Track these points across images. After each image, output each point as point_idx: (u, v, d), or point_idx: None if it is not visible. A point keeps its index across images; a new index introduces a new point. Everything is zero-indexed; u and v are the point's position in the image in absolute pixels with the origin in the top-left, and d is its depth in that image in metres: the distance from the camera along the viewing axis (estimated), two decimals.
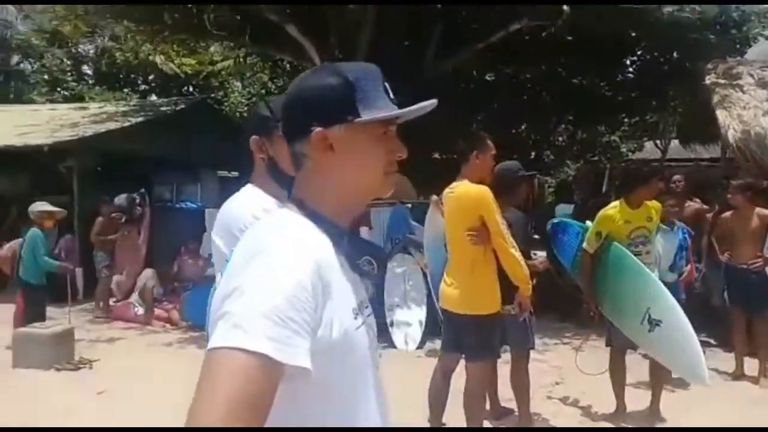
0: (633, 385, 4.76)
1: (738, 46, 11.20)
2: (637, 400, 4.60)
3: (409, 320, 6.86)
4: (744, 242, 5.47)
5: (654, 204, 4.38)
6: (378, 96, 1.14)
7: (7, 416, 4.55)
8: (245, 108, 17.59)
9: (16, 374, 5.76)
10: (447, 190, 3.89)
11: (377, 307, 6.39)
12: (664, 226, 5.02)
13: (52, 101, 17.49)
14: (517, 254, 3.69)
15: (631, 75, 12.75)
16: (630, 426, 4.42)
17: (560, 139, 16.44)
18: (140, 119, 11.59)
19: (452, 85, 11.25)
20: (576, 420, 4.60)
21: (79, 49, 19.94)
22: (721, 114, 7.66)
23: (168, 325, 7.98)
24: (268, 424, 0.87)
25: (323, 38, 9.61)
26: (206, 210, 8.53)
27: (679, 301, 4.65)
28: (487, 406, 4.32)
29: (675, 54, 11.23)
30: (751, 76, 8.50)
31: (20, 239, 6.85)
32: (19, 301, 6.45)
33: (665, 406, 4.54)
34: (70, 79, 19.78)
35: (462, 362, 3.85)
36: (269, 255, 1.00)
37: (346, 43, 9.61)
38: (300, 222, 1.10)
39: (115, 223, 8.72)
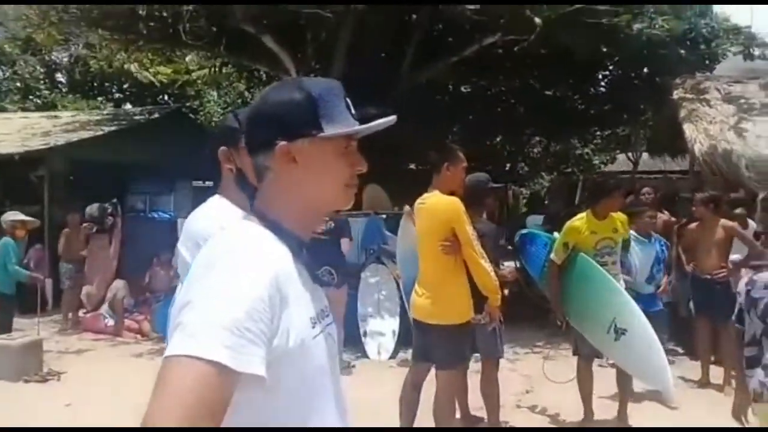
0: (608, 397, 4.83)
1: (707, 62, 11.46)
2: (606, 409, 4.67)
3: (383, 330, 6.88)
4: (708, 253, 5.59)
5: (619, 216, 4.48)
6: (340, 111, 1.17)
7: None
8: (221, 117, 17.51)
9: None
10: (418, 201, 3.95)
11: (351, 316, 6.45)
12: (641, 238, 5.10)
13: (24, 109, 17.25)
14: (487, 265, 3.75)
15: (603, 89, 12.96)
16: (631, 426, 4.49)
17: (534, 151, 16.63)
18: (113, 128, 11.47)
19: (428, 97, 11.34)
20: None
21: (53, 57, 19.69)
22: (688, 128, 7.85)
23: (139, 336, 7.90)
24: None
25: (300, 49, 9.65)
26: (179, 220, 8.47)
27: (657, 312, 4.78)
28: (458, 415, 4.36)
29: (646, 69, 11.46)
30: (718, 91, 8.73)
31: None
32: None
33: (632, 413, 4.63)
34: (42, 87, 19.52)
35: (433, 371, 3.89)
36: (227, 265, 1.03)
37: (322, 55, 9.66)
38: (260, 233, 1.13)
39: (84, 233, 8.61)
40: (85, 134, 10.77)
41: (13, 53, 19.12)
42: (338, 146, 1.17)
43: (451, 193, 3.80)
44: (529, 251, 5.16)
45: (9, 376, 5.71)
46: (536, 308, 5.98)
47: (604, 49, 9.96)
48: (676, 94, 8.69)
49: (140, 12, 9.42)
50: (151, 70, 17.23)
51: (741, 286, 2.93)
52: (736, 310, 2.96)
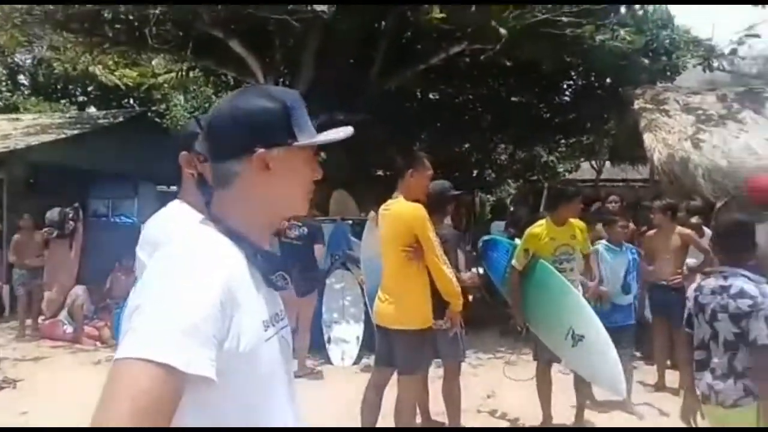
0: (567, 402, 4.90)
1: (669, 73, 11.78)
2: (564, 413, 4.75)
3: (347, 336, 6.89)
4: (665, 260, 5.73)
5: (578, 222, 4.58)
6: (306, 121, 1.23)
7: None
8: (187, 122, 17.29)
9: None
10: (383, 207, 3.99)
11: (316, 322, 6.44)
12: (613, 247, 5.17)
13: None
14: (449, 271, 3.81)
15: (567, 98, 13.19)
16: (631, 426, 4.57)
17: (501, 158, 16.81)
18: (76, 131, 11.28)
19: (396, 104, 11.41)
20: None
21: (16, 59, 19.27)
22: (648, 137, 8.04)
23: (98, 344, 7.75)
24: None
25: (268, 54, 9.62)
26: (143, 225, 8.34)
27: (630, 326, 4.87)
28: (418, 419, 4.40)
29: (608, 79, 11.70)
30: (677, 101, 8.98)
31: None
32: None
33: (590, 417, 4.73)
34: (4, 89, 19.09)
35: (395, 376, 3.92)
36: (179, 269, 1.05)
37: (290, 60, 9.65)
38: (215, 238, 1.15)
39: (44, 238, 8.43)
40: (46, 137, 10.57)
41: None
42: (307, 155, 1.23)
43: (416, 200, 3.85)
44: (491, 257, 5.23)
45: None
46: (499, 314, 6.05)
47: (569, 60, 10.16)
48: (637, 104, 8.91)
49: (106, 14, 9.30)
50: (116, 73, 16.94)
51: (690, 292, 3.03)
52: (685, 315, 3.06)
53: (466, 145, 15.00)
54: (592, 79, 12.09)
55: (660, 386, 5.74)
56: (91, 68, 16.32)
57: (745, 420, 2.78)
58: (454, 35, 8.93)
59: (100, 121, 12.64)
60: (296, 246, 6.08)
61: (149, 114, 15.44)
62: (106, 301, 8.41)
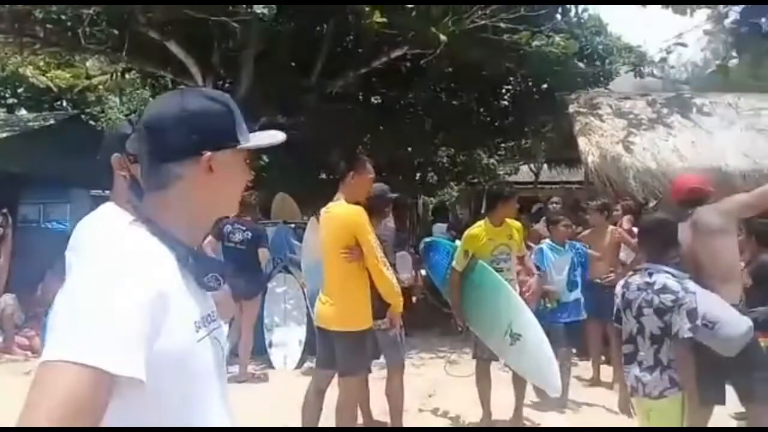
0: (505, 399, 5.00)
1: (603, 78, 12.19)
2: (503, 410, 4.85)
3: (289, 340, 6.85)
4: (599, 258, 5.93)
5: (514, 223, 4.69)
6: (242, 124, 1.24)
7: None
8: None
9: None
10: (324, 209, 4.01)
11: (257, 326, 6.38)
12: (556, 246, 5.29)
13: None
14: (389, 272, 3.85)
15: (506, 102, 13.45)
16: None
17: (443, 161, 16.98)
18: (5, 134, 10.82)
19: (338, 108, 11.42)
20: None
21: None
22: (582, 141, 8.32)
23: (29, 353, 7.46)
24: None
25: (207, 57, 9.48)
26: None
27: (578, 323, 4.99)
28: (360, 420, 4.42)
29: (545, 84, 12.02)
30: (610, 106, 9.32)
31: None
32: None
33: (528, 414, 4.85)
34: None
35: (335, 378, 3.93)
36: (105, 271, 1.04)
37: (230, 62, 9.53)
38: (145, 239, 1.14)
39: None
40: None
41: None
42: (245, 157, 1.25)
43: (357, 202, 3.88)
44: (432, 259, 5.31)
45: None
46: (440, 314, 6.14)
47: (507, 65, 10.39)
48: (572, 109, 9.21)
49: (37, 14, 8.98)
50: (48, 74, 16.35)
51: (618, 289, 3.16)
52: (614, 311, 3.19)
53: (409, 149, 15.11)
54: (530, 84, 12.37)
55: (595, 382, 5.93)
56: (21, 69, 15.73)
57: (671, 410, 2.92)
58: (395, 39, 9.01)
59: (31, 123, 12.16)
60: (240, 250, 6.06)
61: (83, 116, 14.94)
62: (37, 309, 8.08)
